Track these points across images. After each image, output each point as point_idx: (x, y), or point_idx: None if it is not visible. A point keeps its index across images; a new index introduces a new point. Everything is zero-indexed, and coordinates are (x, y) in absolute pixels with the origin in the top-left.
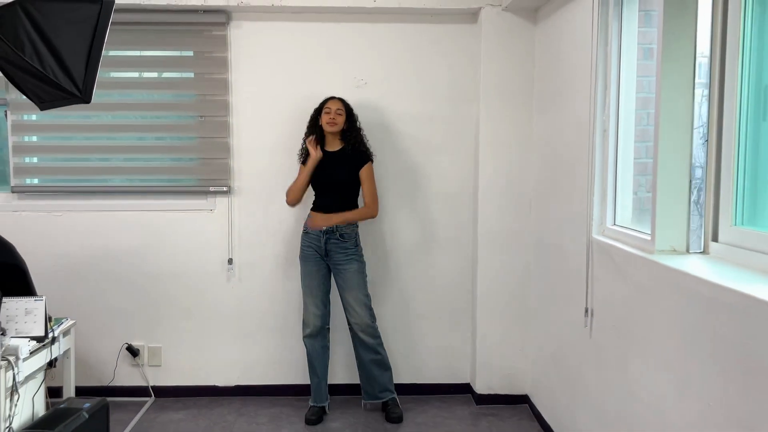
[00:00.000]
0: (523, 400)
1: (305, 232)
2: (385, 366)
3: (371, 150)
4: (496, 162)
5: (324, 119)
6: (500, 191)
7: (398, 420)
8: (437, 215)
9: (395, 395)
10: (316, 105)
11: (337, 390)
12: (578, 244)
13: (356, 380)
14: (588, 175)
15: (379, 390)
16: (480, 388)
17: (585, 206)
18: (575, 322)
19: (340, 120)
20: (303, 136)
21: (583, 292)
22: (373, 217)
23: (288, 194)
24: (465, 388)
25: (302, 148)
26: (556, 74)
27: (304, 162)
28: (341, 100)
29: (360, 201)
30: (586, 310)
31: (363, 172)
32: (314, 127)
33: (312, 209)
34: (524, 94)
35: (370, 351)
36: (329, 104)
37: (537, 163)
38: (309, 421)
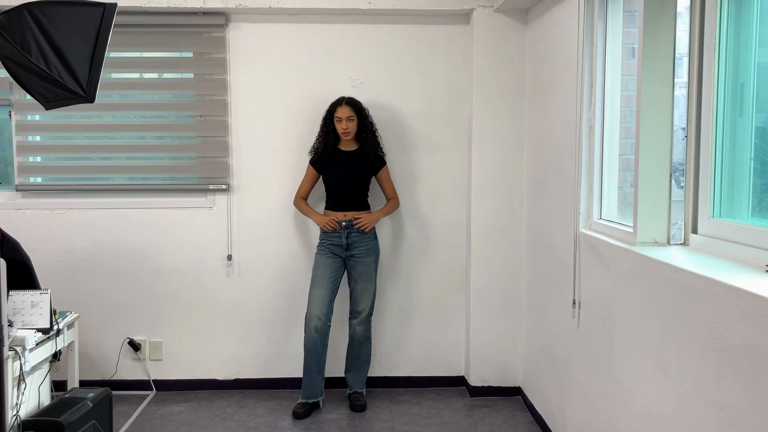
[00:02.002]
0: (516, 392)
1: (324, 231)
2: (364, 358)
3: (383, 149)
4: (489, 159)
5: (338, 129)
6: (493, 187)
7: (361, 409)
8: (431, 211)
9: (364, 389)
10: (313, 104)
11: (335, 383)
12: (566, 238)
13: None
14: (575, 171)
15: (353, 380)
16: (474, 381)
17: (573, 201)
18: (564, 314)
19: (353, 126)
20: (317, 135)
21: (571, 284)
22: (398, 207)
23: (295, 204)
24: (459, 381)
25: (314, 146)
26: (546, 73)
27: (312, 161)
28: (350, 103)
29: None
30: (574, 302)
31: (381, 175)
32: (329, 131)
33: (327, 208)
34: (516, 93)
35: (359, 342)
36: (339, 112)
37: (528, 160)
38: (296, 414)
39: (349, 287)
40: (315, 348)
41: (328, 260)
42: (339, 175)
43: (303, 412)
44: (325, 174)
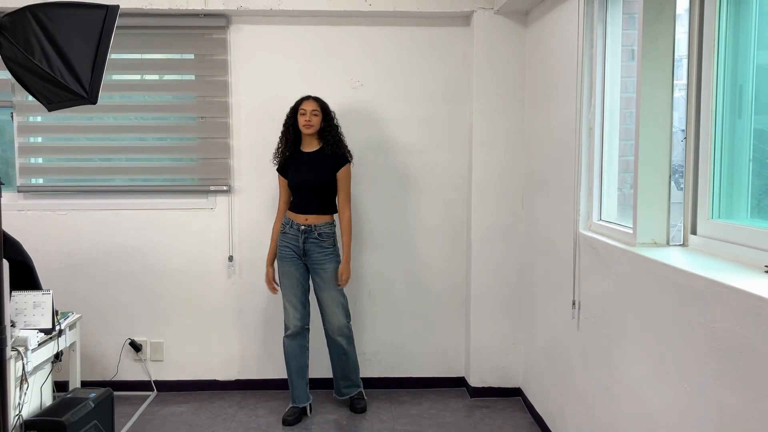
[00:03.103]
0: (516, 392)
1: (283, 232)
2: (352, 365)
3: (350, 150)
4: (489, 160)
5: (300, 121)
6: (493, 189)
7: (362, 410)
8: (431, 212)
9: (361, 388)
10: None
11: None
12: (566, 239)
13: None
14: (575, 173)
15: (345, 386)
16: (474, 382)
17: (572, 202)
18: (564, 315)
19: (316, 121)
20: (279, 135)
21: (571, 285)
22: (350, 225)
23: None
24: (459, 382)
25: (278, 148)
26: (546, 75)
27: (279, 169)
28: (316, 99)
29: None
30: (574, 303)
31: (341, 174)
32: (290, 127)
33: (290, 209)
34: (516, 95)
35: (341, 352)
36: (304, 105)
37: (528, 161)
38: (286, 422)
39: (317, 298)
40: (292, 352)
41: (290, 268)
42: (300, 178)
43: (293, 420)
44: (288, 178)
